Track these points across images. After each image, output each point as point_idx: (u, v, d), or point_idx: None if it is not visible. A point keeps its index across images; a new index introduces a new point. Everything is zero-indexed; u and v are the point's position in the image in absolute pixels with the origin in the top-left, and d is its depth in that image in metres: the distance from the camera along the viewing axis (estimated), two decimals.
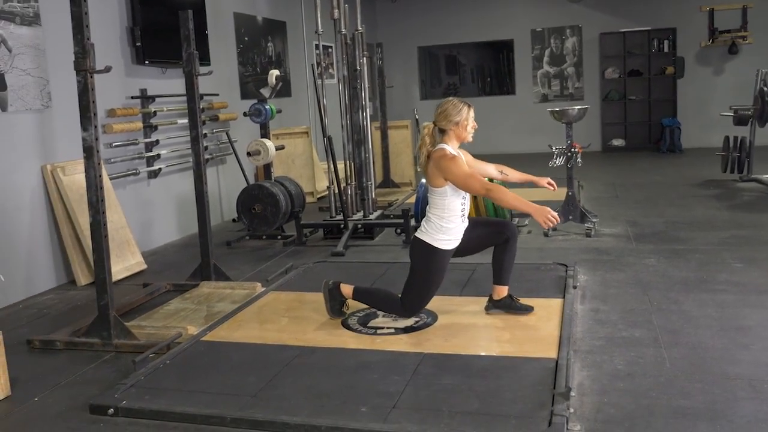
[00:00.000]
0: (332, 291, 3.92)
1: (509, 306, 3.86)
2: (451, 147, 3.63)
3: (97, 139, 3.70)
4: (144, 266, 5.63)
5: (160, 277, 5.32)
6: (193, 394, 3.06)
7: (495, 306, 3.89)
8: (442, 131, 3.67)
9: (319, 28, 6.30)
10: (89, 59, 3.62)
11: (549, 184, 3.96)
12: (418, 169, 3.75)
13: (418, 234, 3.71)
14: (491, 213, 5.97)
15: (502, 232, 3.77)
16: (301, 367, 3.29)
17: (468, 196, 3.69)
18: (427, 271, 3.68)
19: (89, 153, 3.69)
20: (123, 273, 5.38)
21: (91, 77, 3.65)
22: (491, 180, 4.00)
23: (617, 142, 12.40)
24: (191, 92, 4.74)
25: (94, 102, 3.68)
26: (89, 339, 3.80)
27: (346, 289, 3.91)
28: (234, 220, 7.41)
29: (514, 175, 3.98)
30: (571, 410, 2.69)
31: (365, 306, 4.03)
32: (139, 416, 2.91)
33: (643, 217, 6.47)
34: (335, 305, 3.92)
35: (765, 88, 7.77)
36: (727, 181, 8.27)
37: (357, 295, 3.90)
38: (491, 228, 3.81)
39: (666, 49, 12.01)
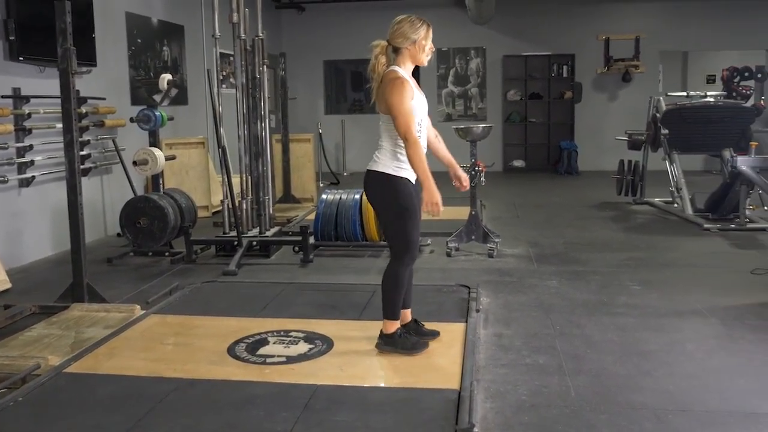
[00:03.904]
0: (393, 337, 3.41)
1: (414, 331, 3.62)
2: (403, 69, 3.27)
3: None
4: (8, 285, 5.04)
5: (27, 297, 4.77)
6: None
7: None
8: (396, 50, 3.29)
9: (217, 31, 5.93)
10: None
11: (457, 179, 3.59)
12: (372, 99, 3.34)
13: (371, 166, 3.31)
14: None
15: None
16: (178, 404, 2.92)
17: (425, 121, 3.34)
18: (394, 203, 3.25)
19: None
20: None
21: None
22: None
23: (518, 163, 12.60)
24: (66, 92, 4.27)
25: None
26: None
27: (388, 325, 3.42)
28: (119, 235, 6.86)
29: (442, 149, 3.59)
30: None
31: (255, 332, 3.69)
32: None
33: (543, 238, 6.46)
34: (408, 342, 3.41)
35: (657, 115, 8.02)
36: (621, 203, 8.46)
37: (388, 313, 3.41)
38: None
39: (565, 74, 12.35)
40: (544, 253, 5.83)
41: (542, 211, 8.07)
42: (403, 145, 3.25)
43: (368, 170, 3.36)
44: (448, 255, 5.75)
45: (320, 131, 11.20)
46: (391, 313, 3.42)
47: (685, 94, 8.46)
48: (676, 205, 7.81)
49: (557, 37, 12.26)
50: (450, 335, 3.67)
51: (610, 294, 4.52)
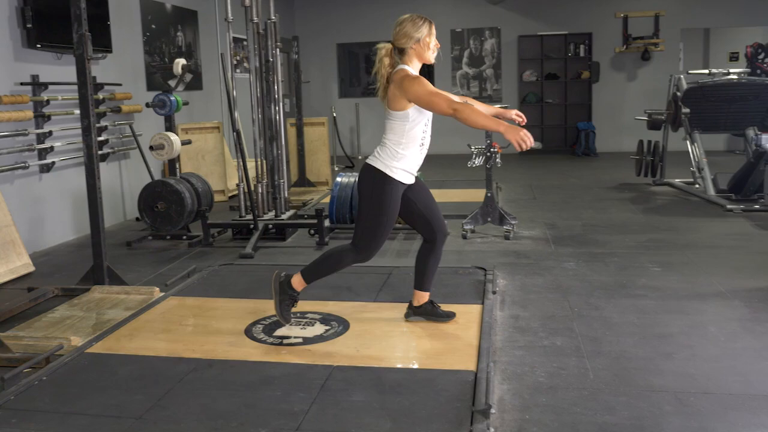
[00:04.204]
0: (283, 285, 3.46)
1: (430, 313, 3.63)
2: (412, 68, 3.29)
3: None
4: (32, 268, 5.11)
5: (50, 280, 4.84)
6: (70, 416, 2.68)
7: (415, 313, 3.65)
8: (401, 51, 3.30)
9: (229, 15, 5.92)
10: None
11: (517, 114, 3.64)
12: (379, 98, 3.35)
13: (370, 160, 3.33)
14: None
15: (434, 232, 3.49)
16: (196, 384, 2.96)
17: (430, 123, 3.34)
18: (378, 201, 3.28)
19: None
20: (7, 276, 4.86)
21: None
22: None
23: (534, 145, 12.46)
24: (83, 78, 4.29)
25: None
26: None
27: (296, 281, 3.47)
28: (137, 219, 6.91)
29: (480, 107, 3.56)
30: (492, 430, 2.48)
31: (273, 312, 3.72)
32: None
33: (561, 220, 6.42)
34: (285, 300, 3.45)
35: (678, 93, 7.91)
36: (640, 184, 8.38)
37: (307, 276, 3.46)
38: (433, 217, 3.47)
39: (582, 54, 12.21)
40: (561, 234, 5.80)
41: (559, 193, 8.02)
42: (406, 148, 3.26)
43: (365, 163, 3.37)
44: (464, 237, 5.74)
45: (334, 115, 11.16)
46: (308, 277, 3.48)
47: (707, 72, 8.31)
48: (697, 185, 7.72)
49: (574, 16, 12.11)
50: (466, 317, 3.67)
51: (630, 276, 4.49)
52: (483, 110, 3.53)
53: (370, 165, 3.33)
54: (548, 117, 12.53)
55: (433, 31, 3.32)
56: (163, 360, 3.23)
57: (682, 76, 8.18)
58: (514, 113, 3.64)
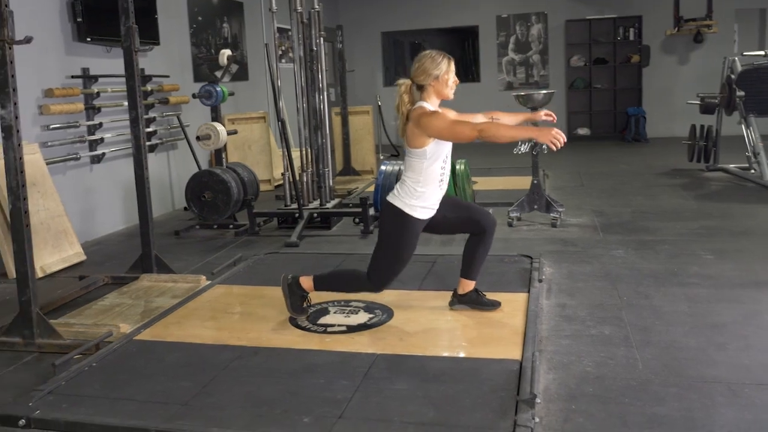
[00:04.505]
0: (292, 286, 3.54)
1: (475, 301, 3.60)
2: (430, 105, 3.29)
3: (17, 118, 3.32)
4: (83, 257, 5.24)
5: (101, 269, 4.95)
6: (118, 402, 2.73)
7: (460, 301, 3.62)
8: (420, 88, 3.30)
9: (274, 5, 5.94)
10: (7, 28, 3.23)
11: (546, 115, 3.65)
12: (399, 135, 3.41)
13: (390, 198, 3.35)
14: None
15: (481, 223, 3.46)
16: (241, 371, 2.98)
17: (449, 160, 3.35)
18: (396, 239, 3.30)
19: (8, 133, 3.31)
20: (59, 264, 4.99)
21: (10, 48, 3.27)
22: None
23: (582, 131, 12.27)
24: (130, 70, 4.36)
25: (13, 76, 3.30)
26: (10, 338, 3.44)
27: (307, 282, 3.53)
28: (185, 209, 7.02)
29: (507, 119, 3.58)
30: (536, 419, 2.43)
31: (317, 301, 3.73)
32: (53, 428, 2.58)
33: (609, 207, 6.28)
34: (296, 301, 3.54)
35: (732, 76, 7.64)
36: (693, 170, 8.14)
37: (318, 284, 3.53)
38: (471, 214, 3.48)
39: (631, 37, 11.89)
40: (610, 222, 5.67)
41: (608, 180, 7.84)
42: (424, 186, 3.27)
43: (386, 199, 3.38)
44: (510, 225, 5.66)
45: (379, 103, 11.12)
46: (319, 284, 3.51)
47: (763, 53, 8.00)
48: (753, 171, 7.46)
49: None
50: (512, 305, 3.62)
51: (681, 264, 4.36)
52: (511, 120, 3.56)
53: (390, 203, 3.35)
54: (597, 102, 12.26)
55: (452, 67, 3.31)
56: (209, 347, 3.27)
57: (736, 59, 7.89)
58: (543, 114, 3.65)
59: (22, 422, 2.61)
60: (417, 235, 3.35)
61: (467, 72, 13.12)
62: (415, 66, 3.29)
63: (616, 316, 3.48)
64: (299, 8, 5.98)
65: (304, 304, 3.57)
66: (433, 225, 3.43)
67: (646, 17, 11.76)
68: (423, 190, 3.28)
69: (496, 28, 12.51)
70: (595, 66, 12.13)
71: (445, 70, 3.26)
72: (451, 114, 3.41)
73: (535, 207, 5.73)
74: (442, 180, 3.33)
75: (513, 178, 7.83)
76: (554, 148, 3.08)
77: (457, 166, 5.81)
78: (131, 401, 2.73)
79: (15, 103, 3.30)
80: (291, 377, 2.89)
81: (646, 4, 11.73)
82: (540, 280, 4.02)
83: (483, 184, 7.61)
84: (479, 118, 3.50)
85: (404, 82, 3.33)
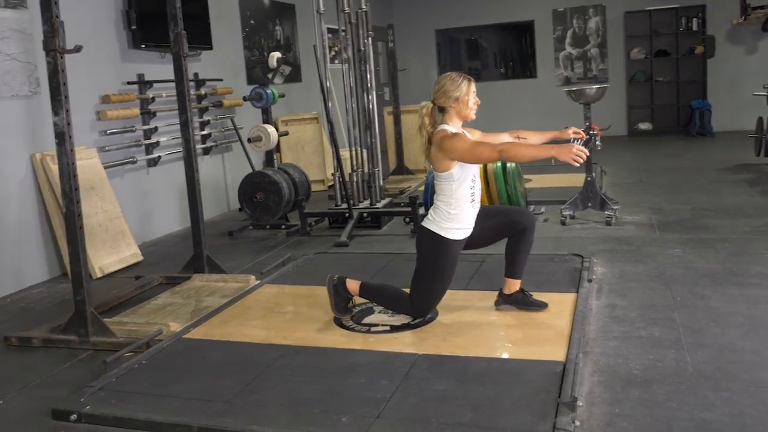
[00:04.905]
0: (337, 287, 3.57)
1: (521, 301, 3.54)
2: (452, 127, 3.31)
3: (69, 124, 3.44)
4: (140, 258, 5.39)
5: (157, 269, 5.09)
6: (165, 398, 2.80)
7: (506, 301, 3.57)
8: (442, 110, 3.33)
9: (321, 6, 5.99)
10: (58, 38, 3.35)
11: (575, 133, 3.60)
12: (424, 158, 3.46)
13: (425, 223, 3.39)
14: (505, 201, 5.64)
15: (519, 222, 3.43)
16: (284, 370, 3.01)
17: (478, 179, 3.35)
18: (435, 263, 3.35)
19: (61, 139, 3.43)
20: (117, 265, 5.16)
21: (62, 58, 3.39)
22: None
23: (644, 126, 11.92)
24: (179, 74, 4.47)
25: (65, 84, 3.42)
26: (66, 336, 3.57)
27: (353, 285, 3.57)
28: (239, 210, 7.15)
29: (534, 138, 3.56)
30: (577, 423, 2.37)
31: (364, 300, 3.74)
32: (101, 423, 2.67)
33: (668, 204, 6.08)
34: (340, 302, 3.57)
35: None
36: (760, 165, 7.79)
37: (364, 291, 3.57)
38: (507, 217, 3.47)
39: (695, 28, 11.48)
40: (668, 219, 5.49)
41: (669, 176, 7.59)
42: (457, 209, 3.27)
43: (421, 225, 3.40)
44: (563, 223, 5.54)
45: None
46: (363, 292, 3.55)
47: None
48: None
49: None
50: (559, 306, 3.54)
51: (741, 263, 4.17)
52: (538, 139, 3.54)
53: (426, 228, 3.36)
54: (659, 96, 11.89)
55: (473, 88, 3.31)
56: (254, 346, 3.32)
57: None
58: (572, 132, 3.60)
59: (73, 417, 2.71)
60: (456, 256, 3.37)
61: (525, 69, 12.95)
62: (436, 88, 3.31)
63: (668, 317, 3.36)
64: (347, 9, 6.01)
65: (348, 305, 3.59)
66: (472, 242, 3.43)
67: (710, 6, 11.33)
68: (456, 212, 3.29)
69: (552, 22, 12.26)
70: (656, 58, 11.77)
71: (465, 92, 3.26)
72: (476, 135, 3.40)
73: (589, 205, 5.59)
74: (473, 200, 3.33)
75: (569, 176, 7.65)
76: (575, 165, 3.05)
77: (508, 165, 5.72)
78: (177, 398, 2.79)
79: (67, 110, 3.41)
80: (332, 376, 2.90)
81: None
82: (590, 280, 3.92)
83: (537, 181, 7.49)
84: (504, 138, 3.50)
85: (426, 105, 3.35)
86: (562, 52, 12.35)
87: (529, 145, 3.23)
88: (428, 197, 6.02)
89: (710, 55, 11.46)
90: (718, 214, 5.58)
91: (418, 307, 3.45)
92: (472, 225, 3.39)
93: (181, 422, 2.57)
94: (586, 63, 12.25)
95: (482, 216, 3.45)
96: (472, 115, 3.34)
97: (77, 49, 3.38)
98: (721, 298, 3.57)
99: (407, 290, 3.50)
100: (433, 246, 3.34)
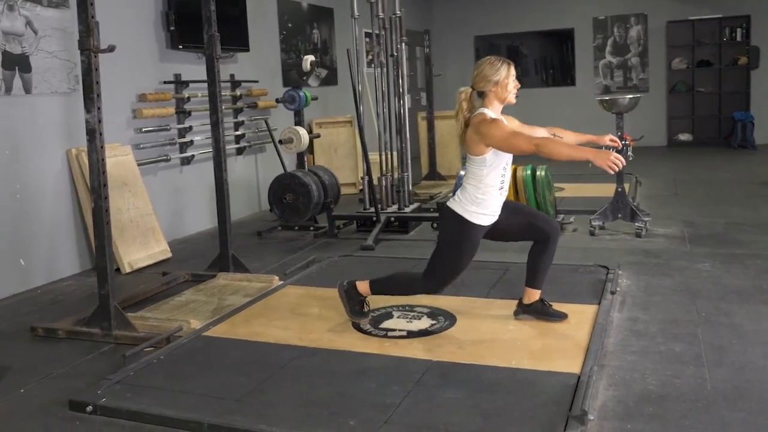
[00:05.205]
0: (348, 291, 3.59)
1: (540, 311, 3.50)
2: (491, 111, 3.26)
3: (100, 121, 3.52)
4: (168, 254, 5.49)
5: (185, 266, 5.16)
6: (179, 394, 2.84)
7: (525, 311, 3.54)
8: (481, 94, 3.28)
9: (355, 11, 6.04)
10: (93, 38, 3.44)
11: (611, 140, 3.57)
12: (459, 142, 3.41)
13: (450, 203, 3.34)
14: (532, 206, 5.58)
15: (544, 230, 3.40)
16: (298, 370, 3.04)
17: (509, 167, 3.30)
18: (454, 244, 3.29)
19: (92, 136, 3.52)
20: (146, 261, 5.25)
21: (95, 57, 3.48)
22: None
23: (684, 137, 11.70)
24: (212, 76, 4.54)
25: (98, 82, 3.50)
26: (90, 329, 3.65)
27: (363, 287, 3.58)
28: (270, 210, 7.22)
29: (569, 137, 3.51)
30: None
31: (381, 305, 3.74)
32: (115, 416, 2.72)
33: (702, 217, 5.95)
34: (354, 306, 3.58)
35: None
36: None
37: (375, 287, 3.56)
38: (534, 221, 3.41)
39: (739, 38, 11.22)
40: (700, 233, 5.37)
41: (706, 188, 7.43)
42: (486, 193, 3.24)
43: (446, 205, 3.36)
44: (592, 234, 5.47)
45: None
46: (375, 288, 3.54)
47: None
48: None
49: None
50: (579, 317, 3.49)
51: None
52: (573, 139, 3.49)
53: (451, 208, 3.33)
54: (700, 107, 11.66)
55: (512, 72, 3.27)
56: (270, 346, 3.35)
57: None
58: (608, 139, 3.56)
59: (89, 408, 2.77)
60: (477, 241, 3.32)
61: (564, 76, 12.83)
62: (475, 73, 3.27)
63: (691, 332, 3.29)
64: (381, 14, 6.03)
65: (364, 308, 3.59)
66: (494, 232, 3.38)
67: (755, 17, 11.07)
68: (483, 197, 3.25)
69: (592, 30, 12.13)
70: (698, 69, 11.54)
71: (504, 75, 3.22)
72: (514, 123, 3.37)
73: (619, 216, 5.51)
74: (502, 187, 3.29)
75: (603, 185, 7.54)
76: (611, 172, 3.03)
77: (538, 172, 5.67)
78: (190, 394, 2.83)
79: (99, 108, 3.50)
80: (345, 379, 2.91)
81: (756, 3, 11.04)
82: (612, 292, 3.86)
83: (570, 190, 7.40)
84: (541, 132, 3.46)
85: (465, 90, 3.31)
86: (602, 60, 12.20)
87: (567, 145, 3.16)
88: None
89: (754, 66, 11.19)
90: (752, 229, 5.44)
91: (431, 285, 3.41)
92: (498, 213, 3.33)
93: (191, 418, 2.61)
94: (626, 72, 12.08)
95: (511, 210, 3.40)
96: (512, 99, 3.29)
97: (110, 48, 3.47)
98: (746, 315, 3.48)
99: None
100: (456, 227, 3.29)
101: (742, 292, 3.86)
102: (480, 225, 3.28)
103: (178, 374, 3.05)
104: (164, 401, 2.77)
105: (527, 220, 3.41)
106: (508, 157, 3.28)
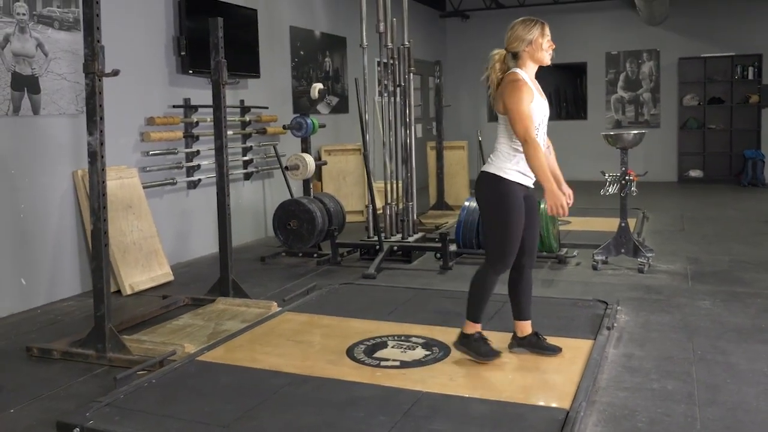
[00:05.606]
0: (463, 341, 3.38)
1: (535, 345, 3.48)
2: (525, 73, 3.23)
3: (102, 144, 3.58)
4: (171, 278, 5.51)
5: (187, 290, 5.18)
6: (165, 419, 2.84)
7: (519, 344, 3.52)
8: (515, 56, 3.25)
9: (364, 41, 6.11)
10: (98, 62, 3.51)
11: (568, 196, 3.32)
12: (492, 104, 3.33)
13: (484, 168, 3.28)
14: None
15: (524, 253, 3.31)
16: (288, 398, 3.03)
17: (543, 126, 3.26)
18: (500, 207, 3.20)
19: (93, 158, 3.57)
20: (147, 283, 5.28)
21: (100, 80, 3.54)
22: None
23: (694, 173, 11.66)
24: (217, 101, 4.60)
25: (101, 106, 3.56)
26: (85, 350, 3.67)
27: (468, 327, 3.37)
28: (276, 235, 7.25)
29: (551, 161, 3.40)
30: None
31: (378, 333, 3.72)
32: None
33: (706, 254, 5.91)
34: (478, 348, 3.35)
35: None
36: None
37: (470, 315, 3.36)
38: (526, 239, 3.29)
39: (750, 77, 11.24)
40: (702, 270, 5.33)
41: (713, 225, 7.39)
42: (520, 148, 3.18)
43: (481, 171, 3.32)
44: (594, 268, 5.44)
45: (480, 138, 11.09)
46: (472, 315, 3.38)
47: None
48: None
49: (741, 36, 11.18)
50: (574, 352, 3.46)
51: None
52: (551, 165, 3.35)
53: (485, 171, 3.29)
54: (711, 144, 11.64)
55: (547, 31, 3.25)
56: (263, 372, 3.34)
57: None
58: (568, 193, 3.34)
59: (76, 430, 2.77)
60: (520, 199, 3.22)
61: (576, 110, 12.87)
62: (508, 34, 3.25)
63: (685, 370, 3.25)
64: (389, 44, 6.10)
65: (487, 341, 3.41)
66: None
67: (767, 55, 11.09)
68: (516, 153, 3.19)
69: (605, 65, 12.19)
70: (709, 106, 11.55)
71: (538, 34, 3.21)
72: (544, 101, 3.28)
73: (622, 251, 5.48)
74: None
75: (610, 220, 7.51)
76: (549, 212, 3.14)
77: (542, 205, 5.67)
78: (177, 420, 2.82)
79: (101, 131, 3.55)
80: (333, 408, 2.90)
81: (767, 42, 11.06)
82: (609, 328, 3.82)
83: (577, 224, 7.37)
84: (544, 138, 3.35)
85: (498, 52, 3.29)
86: (614, 95, 12.24)
87: (544, 164, 3.12)
88: (461, 233, 6.01)
89: (765, 105, 11.19)
90: (756, 267, 5.40)
91: (495, 264, 3.26)
92: (532, 177, 3.23)
93: None
94: (638, 107, 12.10)
95: (533, 211, 3.32)
96: (547, 60, 3.25)
97: (115, 72, 3.53)
98: (743, 354, 3.44)
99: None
100: (494, 189, 3.22)
101: (740, 331, 3.82)
102: (517, 183, 3.21)
103: (168, 398, 3.05)
104: (150, 425, 2.77)
105: (526, 234, 3.30)
106: (543, 118, 3.24)
